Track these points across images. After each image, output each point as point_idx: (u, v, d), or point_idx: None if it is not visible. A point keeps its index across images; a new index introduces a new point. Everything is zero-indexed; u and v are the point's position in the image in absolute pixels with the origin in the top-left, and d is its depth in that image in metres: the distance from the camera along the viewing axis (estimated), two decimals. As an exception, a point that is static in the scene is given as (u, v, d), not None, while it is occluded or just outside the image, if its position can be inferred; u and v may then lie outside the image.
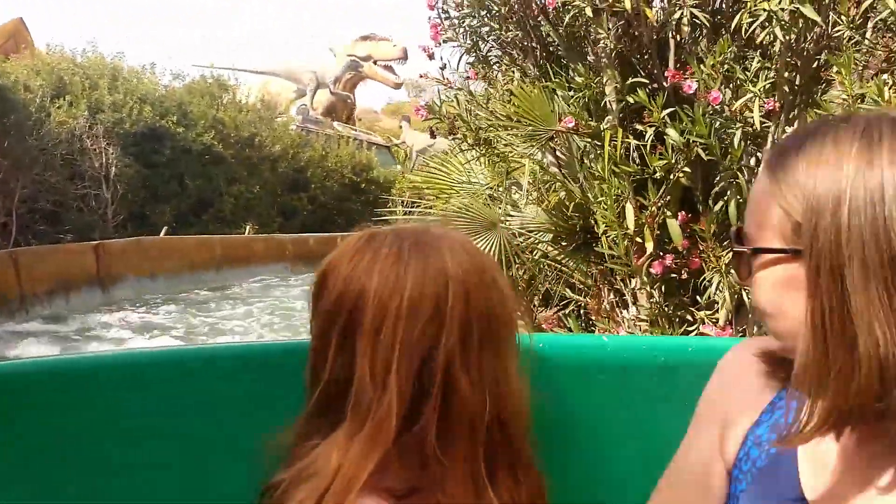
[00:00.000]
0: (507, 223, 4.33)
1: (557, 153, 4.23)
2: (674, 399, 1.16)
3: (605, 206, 3.58)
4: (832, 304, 0.79)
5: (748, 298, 3.24)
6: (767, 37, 3.13)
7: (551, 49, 4.27)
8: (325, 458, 0.91)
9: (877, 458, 0.86)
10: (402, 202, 20.79)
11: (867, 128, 0.82)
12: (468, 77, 4.52)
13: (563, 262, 4.34)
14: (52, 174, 11.89)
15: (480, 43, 4.51)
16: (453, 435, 0.93)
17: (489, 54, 4.55)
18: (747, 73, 3.19)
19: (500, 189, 4.58)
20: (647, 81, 3.46)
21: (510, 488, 0.97)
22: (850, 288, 0.78)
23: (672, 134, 3.19)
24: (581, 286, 4.32)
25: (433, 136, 4.46)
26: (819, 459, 0.90)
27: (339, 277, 0.95)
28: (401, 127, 25.48)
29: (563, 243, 4.17)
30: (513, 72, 4.23)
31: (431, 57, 4.76)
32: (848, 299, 0.78)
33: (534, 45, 4.25)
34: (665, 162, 3.25)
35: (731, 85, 3.26)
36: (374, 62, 23.29)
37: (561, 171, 4.24)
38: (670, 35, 3.58)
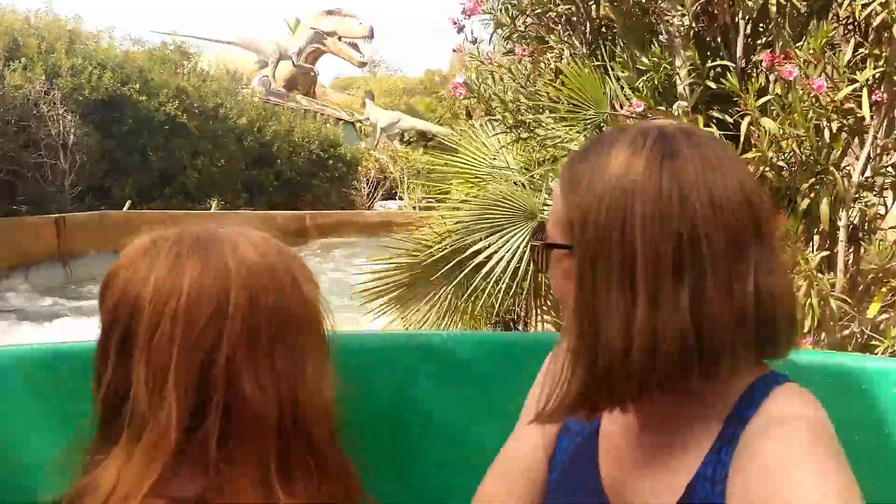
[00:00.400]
0: (546, 213, 4.02)
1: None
2: (509, 394, 1.17)
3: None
4: (586, 296, 0.87)
5: (835, 305, 3.00)
6: (867, 20, 2.87)
7: (601, 26, 3.95)
8: (106, 471, 0.88)
9: (655, 441, 0.95)
10: (367, 181, 20.21)
11: (636, 138, 0.89)
12: (508, 52, 4.17)
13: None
14: (6, 141, 11.15)
15: (519, 17, 4.17)
16: (239, 440, 0.90)
17: (527, 30, 4.21)
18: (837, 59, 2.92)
19: (537, 176, 4.25)
20: (734, 65, 3.17)
21: (310, 492, 0.94)
22: (599, 283, 0.86)
23: (769, 124, 2.90)
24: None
25: (469, 116, 4.09)
26: (613, 445, 0.99)
27: (119, 284, 0.92)
28: (363, 104, 24.94)
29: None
30: (562, 49, 3.90)
31: (461, 30, 4.40)
32: (598, 293, 0.86)
33: (583, 19, 3.92)
34: (758, 155, 2.96)
35: (825, 72, 2.98)
36: (339, 38, 22.63)
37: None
38: (740, 17, 3.28)
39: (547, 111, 4.13)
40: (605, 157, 0.89)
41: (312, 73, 23.63)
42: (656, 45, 3.33)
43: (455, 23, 4.37)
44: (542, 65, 4.00)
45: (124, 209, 11.38)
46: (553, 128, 4.04)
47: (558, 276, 0.95)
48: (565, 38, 3.95)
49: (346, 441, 1.03)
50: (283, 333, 0.93)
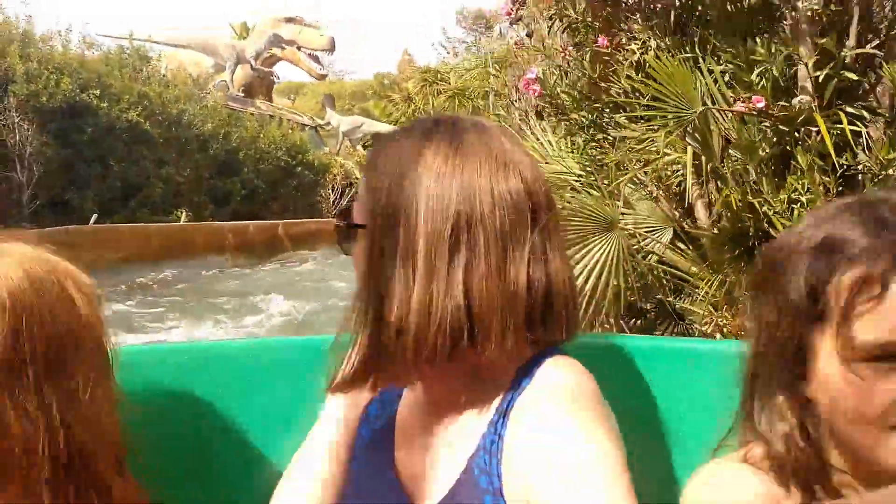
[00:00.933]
0: (624, 222, 3.62)
1: (687, 139, 3.54)
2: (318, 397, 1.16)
3: (804, 206, 2.92)
4: (373, 272, 0.94)
5: None
6: None
7: (688, 13, 3.56)
8: None
9: (441, 420, 1.01)
10: (333, 187, 19.66)
11: (430, 127, 0.98)
12: (577, 45, 3.75)
13: (688, 269, 3.66)
14: (-44, 153, 10.35)
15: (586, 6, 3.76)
16: (4, 481, 0.84)
17: (594, 21, 3.80)
18: None
19: (607, 182, 3.85)
20: (880, 53, 2.80)
21: None
22: (385, 260, 0.93)
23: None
24: (711, 299, 3.63)
25: (540, 116, 3.66)
26: (406, 429, 1.06)
27: None
28: (323, 107, 24.31)
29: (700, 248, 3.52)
30: (646, 39, 3.49)
31: (516, 21, 3.98)
32: (383, 270, 0.93)
33: (666, 5, 3.53)
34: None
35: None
36: (298, 48, 21.78)
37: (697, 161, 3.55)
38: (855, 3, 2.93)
39: (621, 109, 3.73)
40: (401, 143, 0.96)
41: (271, 77, 22.89)
42: (785, 32, 2.94)
43: (509, 13, 3.96)
44: (621, 56, 3.60)
45: (91, 223, 10.61)
46: (632, 128, 3.65)
47: (359, 254, 0.99)
48: (647, 27, 3.55)
49: (138, 464, 0.97)
50: (55, 359, 0.87)
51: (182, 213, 12.42)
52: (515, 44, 3.77)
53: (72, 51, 13.50)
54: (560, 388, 0.93)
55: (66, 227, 9.84)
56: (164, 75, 14.87)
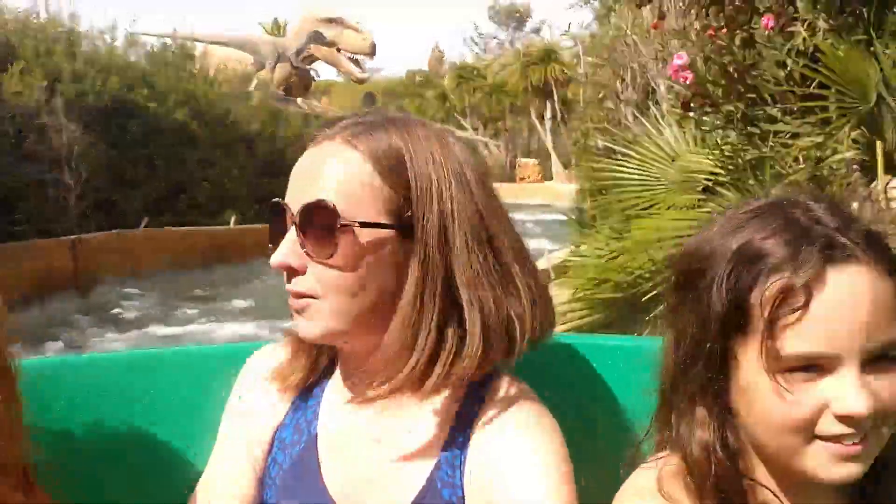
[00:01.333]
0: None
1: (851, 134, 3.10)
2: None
3: None
4: (438, 275, 0.92)
5: None
6: None
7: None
8: None
9: (394, 435, 1.00)
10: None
11: (431, 122, 1.01)
12: (723, 28, 3.31)
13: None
14: (3, 155, 10.09)
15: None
16: None
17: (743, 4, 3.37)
18: None
19: (754, 183, 3.40)
20: None
21: None
22: (454, 261, 0.92)
23: None
24: None
25: (687, 108, 3.21)
26: (339, 448, 1.03)
27: None
28: (363, 106, 24.04)
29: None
30: (814, 21, 3.04)
31: (642, 4, 3.53)
32: (452, 271, 0.92)
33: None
34: None
35: None
36: (338, 50, 21.32)
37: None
38: None
39: (772, 100, 3.29)
40: (420, 135, 0.96)
41: (310, 76, 22.56)
42: None
43: (637, -7, 3.50)
44: (779, 40, 3.16)
45: (141, 227, 10.33)
46: (785, 120, 3.20)
47: (364, 260, 0.94)
48: (811, 7, 3.11)
49: (52, 478, 0.95)
50: None
51: (233, 215, 12.08)
52: (653, 26, 3.31)
53: (117, 49, 13.23)
54: (517, 408, 0.97)
55: (119, 231, 9.59)
56: (207, 73, 14.56)
